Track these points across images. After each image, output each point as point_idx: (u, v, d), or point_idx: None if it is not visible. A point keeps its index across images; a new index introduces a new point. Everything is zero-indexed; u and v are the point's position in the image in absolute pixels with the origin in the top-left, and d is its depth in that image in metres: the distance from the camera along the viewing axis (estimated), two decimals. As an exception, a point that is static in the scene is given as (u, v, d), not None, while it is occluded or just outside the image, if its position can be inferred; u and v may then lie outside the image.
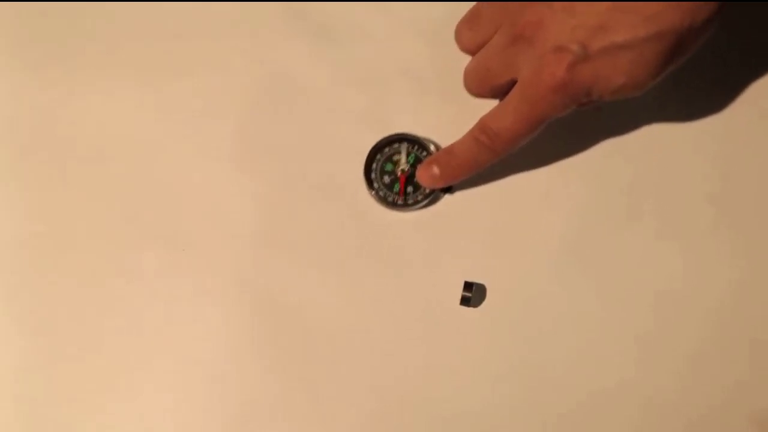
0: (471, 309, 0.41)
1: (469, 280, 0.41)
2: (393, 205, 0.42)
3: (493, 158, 0.39)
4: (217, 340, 0.41)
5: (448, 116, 0.43)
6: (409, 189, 0.42)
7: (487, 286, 0.42)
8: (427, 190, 0.42)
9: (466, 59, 0.40)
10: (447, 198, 0.43)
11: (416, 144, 0.43)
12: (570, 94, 0.35)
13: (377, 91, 0.44)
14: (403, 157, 0.42)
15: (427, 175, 0.41)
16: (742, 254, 0.42)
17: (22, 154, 0.44)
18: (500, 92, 0.39)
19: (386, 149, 0.43)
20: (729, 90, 0.43)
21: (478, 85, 0.40)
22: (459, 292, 0.41)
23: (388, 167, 0.42)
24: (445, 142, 0.42)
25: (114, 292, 0.42)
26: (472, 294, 0.41)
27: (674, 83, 0.39)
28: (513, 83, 0.38)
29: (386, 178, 0.42)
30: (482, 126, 0.38)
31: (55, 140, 0.44)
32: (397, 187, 0.42)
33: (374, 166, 0.42)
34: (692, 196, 0.43)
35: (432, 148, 0.42)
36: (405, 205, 0.42)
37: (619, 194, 0.43)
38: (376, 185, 0.42)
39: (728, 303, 0.41)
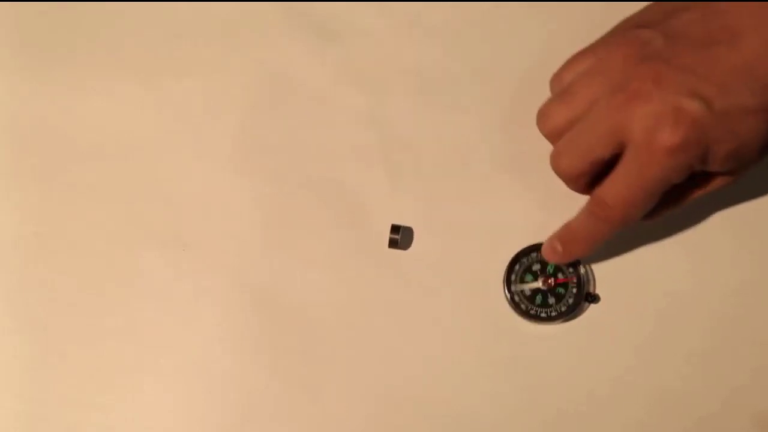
0: (471, 310, 0.41)
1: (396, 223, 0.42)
2: (535, 317, 0.41)
3: (610, 231, 0.37)
4: (217, 340, 0.41)
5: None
6: (551, 300, 0.41)
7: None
8: (571, 301, 0.41)
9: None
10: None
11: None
12: (688, 155, 0.34)
13: (377, 91, 0.44)
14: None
15: (551, 252, 0.40)
16: (746, 255, 0.42)
17: (22, 154, 0.44)
18: (599, 170, 0.36)
19: (525, 259, 0.41)
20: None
21: (576, 159, 0.36)
22: (458, 296, 0.41)
23: (528, 278, 0.41)
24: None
25: (114, 292, 0.42)
26: (399, 236, 0.41)
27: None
28: (615, 158, 0.35)
29: (527, 290, 0.41)
30: (596, 199, 0.37)
31: (55, 140, 0.44)
32: (539, 299, 0.41)
33: (513, 277, 0.41)
34: (697, 197, 0.43)
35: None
36: (549, 318, 0.41)
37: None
38: (516, 297, 0.41)
39: (732, 304, 0.41)
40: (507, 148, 0.43)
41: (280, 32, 0.45)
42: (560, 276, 0.41)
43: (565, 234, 0.39)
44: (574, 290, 0.41)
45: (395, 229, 0.41)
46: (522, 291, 0.41)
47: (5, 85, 0.44)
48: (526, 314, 0.41)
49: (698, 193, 0.38)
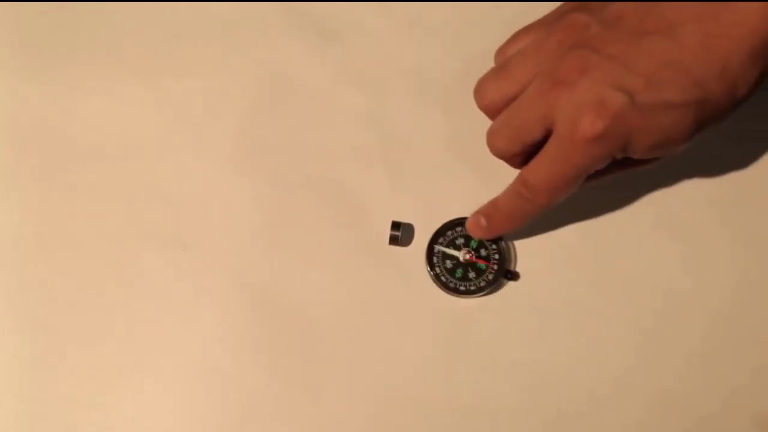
0: (471, 310, 0.41)
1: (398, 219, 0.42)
2: (455, 291, 0.41)
3: (534, 211, 0.38)
4: (217, 340, 0.41)
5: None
6: (472, 275, 0.41)
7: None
8: (491, 277, 0.41)
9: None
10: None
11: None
12: (608, 146, 0.34)
13: (377, 91, 0.44)
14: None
15: (475, 227, 0.40)
16: (746, 254, 0.42)
17: (22, 154, 0.44)
18: (532, 149, 0.37)
19: (449, 232, 0.42)
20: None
21: (508, 141, 0.37)
22: (457, 297, 0.41)
23: (450, 251, 0.41)
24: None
25: (114, 292, 0.42)
26: (400, 233, 0.41)
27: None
28: (546, 139, 0.36)
29: (448, 263, 0.41)
30: (522, 179, 0.37)
31: (56, 140, 0.44)
32: (459, 273, 0.41)
33: (436, 249, 0.41)
34: (695, 197, 0.43)
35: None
36: (467, 292, 0.41)
37: (622, 194, 0.43)
38: (437, 269, 0.41)
39: (731, 304, 0.41)
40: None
41: (280, 32, 0.45)
42: (482, 252, 0.41)
43: (490, 210, 0.40)
44: (495, 266, 0.41)
45: (396, 225, 0.42)
46: (444, 264, 0.41)
47: (5, 85, 0.44)
48: (445, 287, 0.41)
49: (621, 173, 0.38)
